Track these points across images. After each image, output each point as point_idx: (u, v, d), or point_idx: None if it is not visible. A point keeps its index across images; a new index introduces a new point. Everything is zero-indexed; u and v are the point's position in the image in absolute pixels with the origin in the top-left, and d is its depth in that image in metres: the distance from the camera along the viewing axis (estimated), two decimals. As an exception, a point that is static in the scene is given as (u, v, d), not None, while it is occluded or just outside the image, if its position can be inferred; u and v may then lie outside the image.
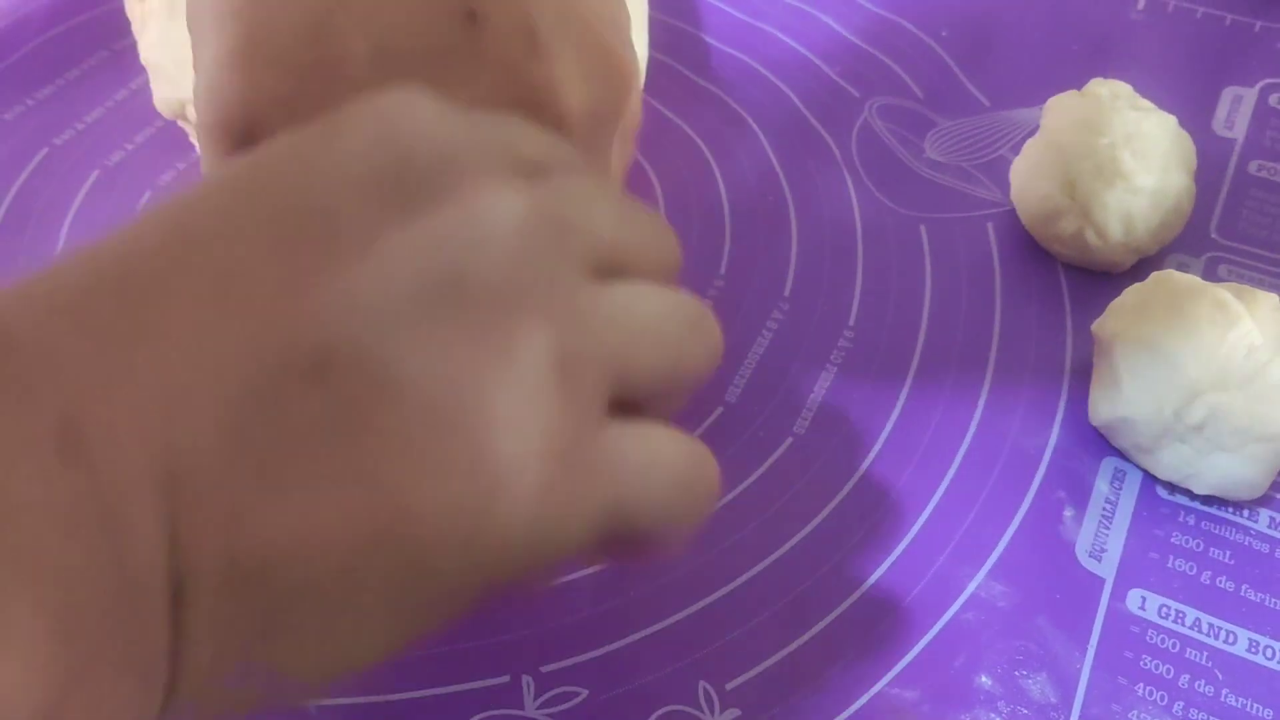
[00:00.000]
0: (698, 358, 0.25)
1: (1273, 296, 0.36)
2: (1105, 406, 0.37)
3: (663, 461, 0.23)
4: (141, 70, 0.50)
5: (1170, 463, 0.36)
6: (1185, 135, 0.42)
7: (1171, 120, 0.42)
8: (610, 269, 0.24)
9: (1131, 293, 0.38)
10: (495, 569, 0.21)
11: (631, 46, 0.32)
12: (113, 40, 0.52)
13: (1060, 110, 0.43)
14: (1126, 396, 0.36)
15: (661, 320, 0.24)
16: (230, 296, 0.19)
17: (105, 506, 0.17)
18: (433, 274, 0.20)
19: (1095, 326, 0.38)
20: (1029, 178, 0.43)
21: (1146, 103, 0.42)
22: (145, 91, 0.50)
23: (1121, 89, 0.43)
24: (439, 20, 0.27)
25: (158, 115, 0.48)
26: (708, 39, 0.53)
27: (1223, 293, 0.36)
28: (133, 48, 0.50)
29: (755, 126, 0.49)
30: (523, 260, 0.22)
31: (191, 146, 0.48)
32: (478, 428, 0.20)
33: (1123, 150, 0.41)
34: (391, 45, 0.27)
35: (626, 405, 0.23)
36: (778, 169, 0.47)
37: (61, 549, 0.16)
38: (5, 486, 0.16)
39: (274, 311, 0.19)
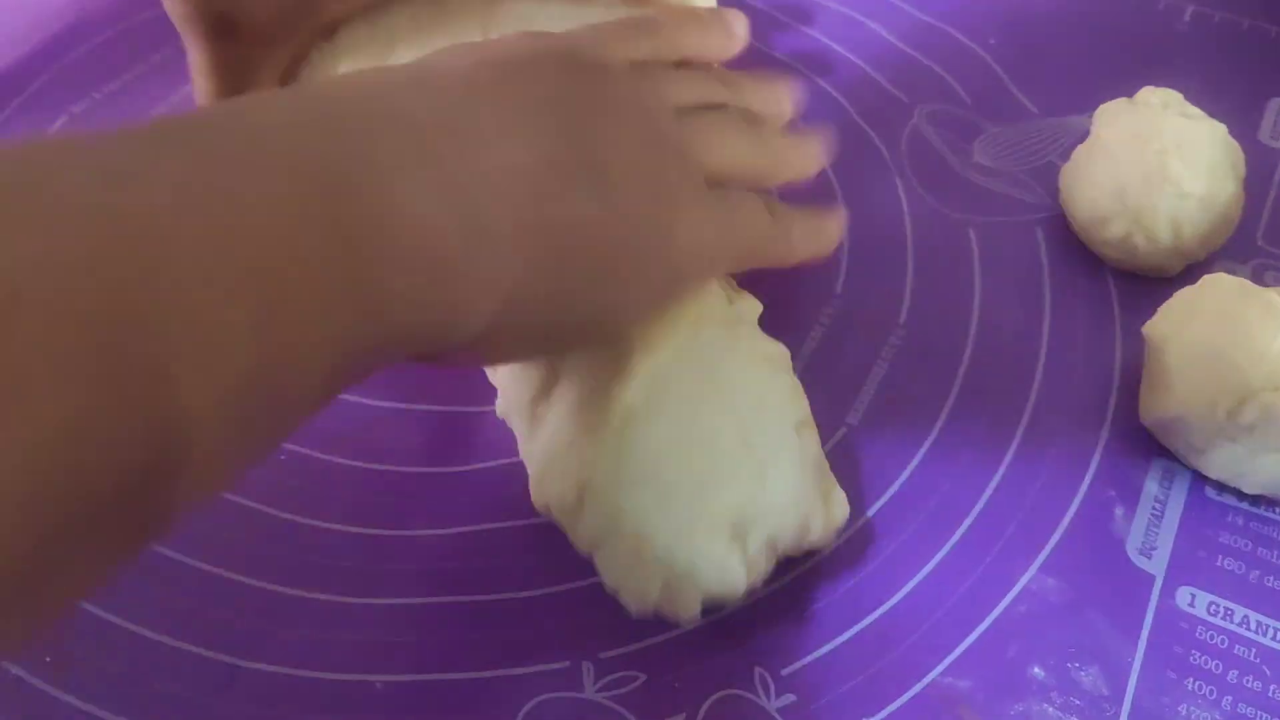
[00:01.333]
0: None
1: (1323, 301, 0.36)
2: (1156, 406, 0.37)
3: (765, 218, 0.37)
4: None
5: (1220, 462, 0.36)
6: (1234, 143, 0.43)
7: (1221, 128, 0.43)
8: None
9: (1182, 295, 0.38)
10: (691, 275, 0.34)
11: None
12: (176, 38, 0.53)
13: (1111, 117, 0.44)
14: (1178, 396, 0.36)
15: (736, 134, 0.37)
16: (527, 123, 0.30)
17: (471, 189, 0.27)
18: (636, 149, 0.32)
19: (1146, 328, 0.38)
20: (1079, 183, 0.44)
21: (1197, 110, 0.43)
22: (209, 87, 0.51)
23: (1172, 97, 0.43)
24: None
25: (221, 110, 0.50)
26: (758, 45, 0.54)
27: (1274, 295, 0.36)
28: (197, 44, 0.51)
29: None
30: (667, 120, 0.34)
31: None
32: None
33: (1173, 157, 0.41)
34: None
35: None
36: (829, 172, 0.48)
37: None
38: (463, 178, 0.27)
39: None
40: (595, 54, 0.33)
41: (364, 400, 0.40)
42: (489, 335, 0.28)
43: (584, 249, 0.30)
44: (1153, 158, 0.41)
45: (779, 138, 0.39)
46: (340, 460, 0.38)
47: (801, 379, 0.36)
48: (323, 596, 0.35)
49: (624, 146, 0.31)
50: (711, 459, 0.33)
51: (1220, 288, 0.37)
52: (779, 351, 0.36)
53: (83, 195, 0.19)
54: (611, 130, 0.31)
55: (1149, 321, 0.39)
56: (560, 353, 0.35)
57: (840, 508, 0.35)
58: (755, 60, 0.52)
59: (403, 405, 0.40)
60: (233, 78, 0.38)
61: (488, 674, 0.34)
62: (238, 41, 0.37)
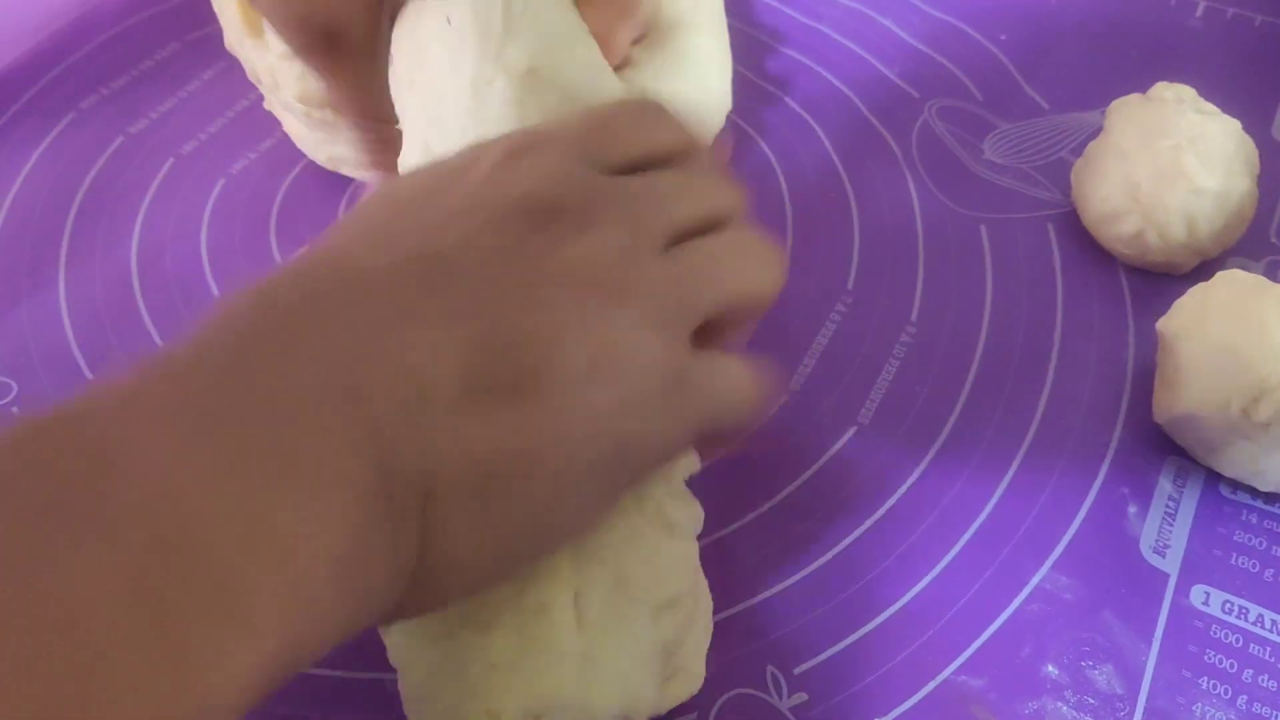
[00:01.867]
0: (761, 283, 0.31)
1: (1339, 298, 0.36)
2: (1170, 404, 0.37)
3: (737, 385, 0.31)
4: (213, 61, 0.51)
5: (1235, 460, 0.36)
6: (1249, 139, 0.43)
7: (1235, 124, 0.42)
8: (687, 233, 0.30)
9: (1197, 291, 0.38)
10: (638, 465, 0.29)
11: None
12: (186, 32, 0.53)
13: (1124, 113, 0.43)
14: (1192, 394, 0.36)
15: (723, 260, 0.30)
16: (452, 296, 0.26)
17: (379, 433, 0.24)
18: (576, 284, 0.27)
19: (1161, 324, 0.38)
20: (1091, 179, 0.43)
21: (1211, 106, 0.43)
22: (217, 83, 0.51)
23: (1186, 93, 0.43)
24: None
25: (229, 106, 0.50)
26: (768, 41, 0.53)
27: (1289, 292, 0.36)
28: (204, 39, 0.51)
29: (816, 127, 0.49)
30: (621, 265, 0.28)
31: (261, 136, 0.49)
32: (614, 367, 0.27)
33: (1187, 153, 0.41)
34: None
35: (712, 328, 0.30)
36: (839, 168, 0.48)
37: (356, 463, 0.23)
38: (315, 421, 0.23)
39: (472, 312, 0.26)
40: (556, 195, 0.28)
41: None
42: (418, 587, 0.26)
43: (515, 476, 0.26)
44: (1166, 154, 0.41)
45: (778, 252, 0.32)
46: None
47: (812, 377, 0.36)
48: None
49: (575, 341, 0.27)
50: (524, 640, 0.28)
51: (1235, 284, 0.37)
52: (689, 516, 0.32)
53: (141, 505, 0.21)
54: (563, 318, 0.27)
55: (1163, 318, 0.38)
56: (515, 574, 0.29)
57: (686, 686, 0.31)
58: (767, 57, 0.52)
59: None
60: (363, 90, 0.38)
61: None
62: (351, 55, 0.37)
